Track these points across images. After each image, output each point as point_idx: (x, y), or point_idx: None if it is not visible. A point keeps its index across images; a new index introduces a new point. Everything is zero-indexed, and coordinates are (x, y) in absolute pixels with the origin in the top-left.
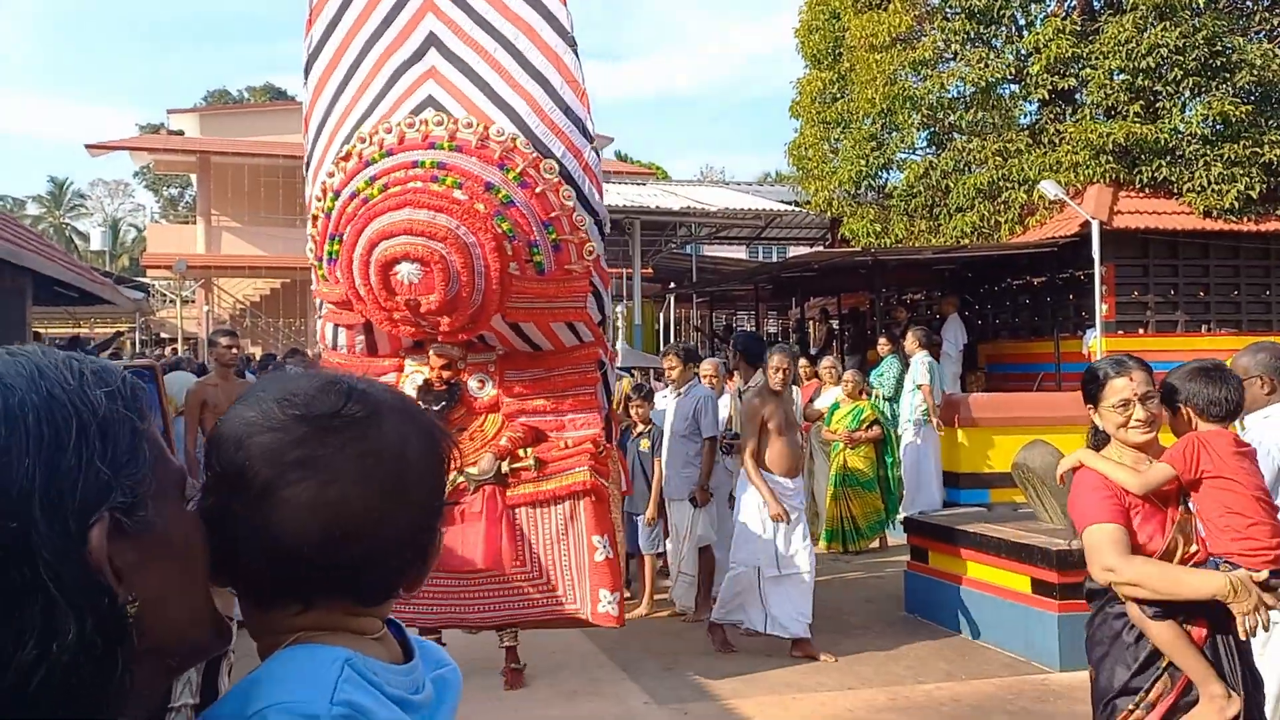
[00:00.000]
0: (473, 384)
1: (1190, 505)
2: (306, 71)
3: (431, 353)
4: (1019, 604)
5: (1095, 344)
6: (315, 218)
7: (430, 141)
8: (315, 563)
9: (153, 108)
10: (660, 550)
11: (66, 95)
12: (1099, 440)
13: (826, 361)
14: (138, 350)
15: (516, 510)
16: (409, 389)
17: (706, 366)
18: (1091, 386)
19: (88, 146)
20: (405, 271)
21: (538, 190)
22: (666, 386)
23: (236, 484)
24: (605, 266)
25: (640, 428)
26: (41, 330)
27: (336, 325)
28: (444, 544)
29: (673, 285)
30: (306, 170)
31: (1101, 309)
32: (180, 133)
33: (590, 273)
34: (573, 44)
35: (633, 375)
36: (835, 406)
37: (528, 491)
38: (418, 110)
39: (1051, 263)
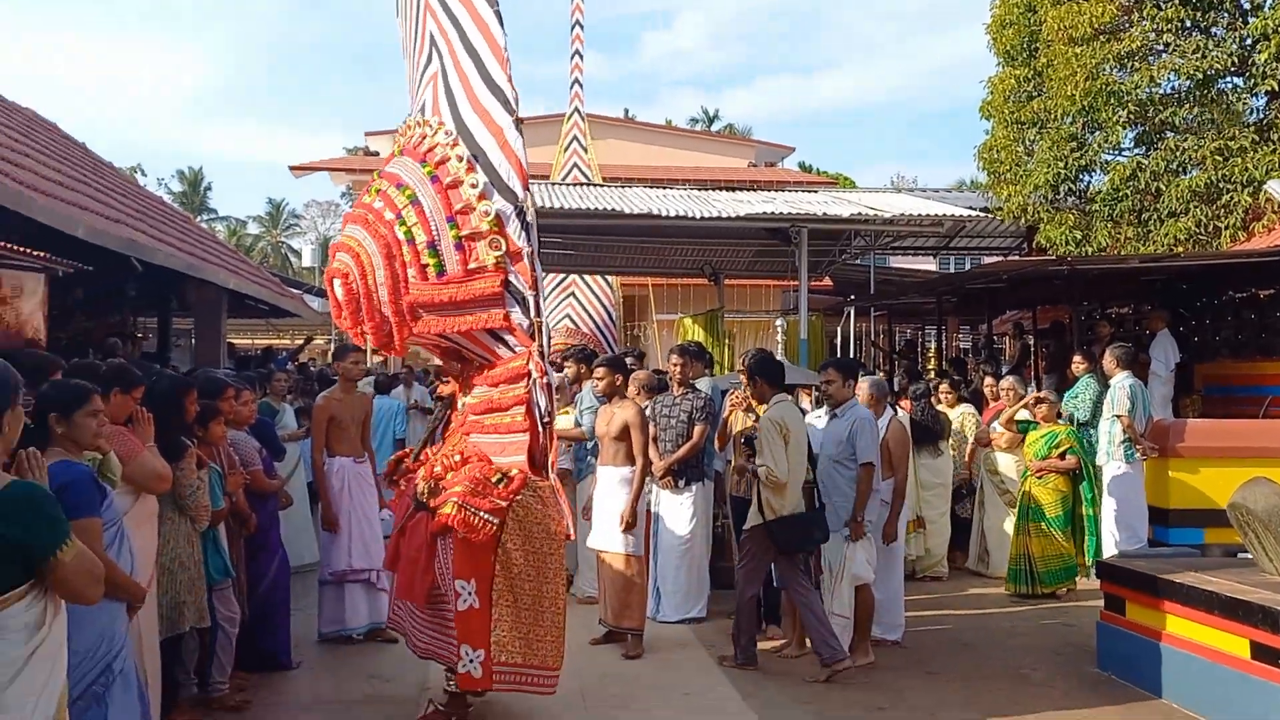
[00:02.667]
0: (460, 400)
1: None
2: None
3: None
4: (1234, 670)
5: None
6: None
7: (399, 145)
8: None
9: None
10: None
11: (284, 121)
12: None
13: (1006, 382)
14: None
15: (438, 539)
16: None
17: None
18: None
19: (291, 168)
20: (337, 288)
21: (447, 181)
22: (821, 406)
23: None
24: (530, 265)
25: None
26: (247, 341)
27: None
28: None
29: (853, 298)
30: None
31: None
32: (377, 154)
33: (504, 270)
34: (498, 11)
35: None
36: (1027, 426)
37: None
38: (419, 113)
39: None
